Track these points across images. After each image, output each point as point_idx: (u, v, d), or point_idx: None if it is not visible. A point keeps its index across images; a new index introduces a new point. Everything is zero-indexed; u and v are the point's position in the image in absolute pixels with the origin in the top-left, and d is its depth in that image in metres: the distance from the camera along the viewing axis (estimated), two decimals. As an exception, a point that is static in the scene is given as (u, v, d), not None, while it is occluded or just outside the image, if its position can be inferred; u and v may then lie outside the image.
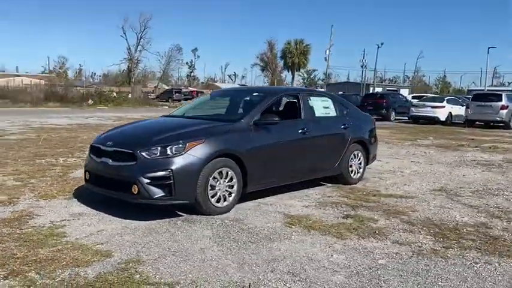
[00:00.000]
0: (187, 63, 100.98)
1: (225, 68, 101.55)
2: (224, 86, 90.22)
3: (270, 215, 5.07)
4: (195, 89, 69.54)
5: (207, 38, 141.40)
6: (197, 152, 4.71)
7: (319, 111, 6.44)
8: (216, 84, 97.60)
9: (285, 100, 6.75)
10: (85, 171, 5.29)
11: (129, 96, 42.04)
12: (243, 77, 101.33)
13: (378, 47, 54.37)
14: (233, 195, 5.07)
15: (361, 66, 58.65)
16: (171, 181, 4.54)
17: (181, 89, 62.15)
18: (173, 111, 6.78)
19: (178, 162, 4.61)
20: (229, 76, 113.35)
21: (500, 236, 4.54)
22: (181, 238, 4.23)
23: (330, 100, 6.77)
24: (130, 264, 3.56)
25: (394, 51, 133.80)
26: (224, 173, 4.95)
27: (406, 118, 24.14)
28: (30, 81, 47.16)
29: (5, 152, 9.32)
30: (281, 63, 72.38)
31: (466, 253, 4.04)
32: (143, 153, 4.59)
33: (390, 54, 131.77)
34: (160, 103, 43.06)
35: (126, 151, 4.72)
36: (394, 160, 9.65)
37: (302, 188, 6.31)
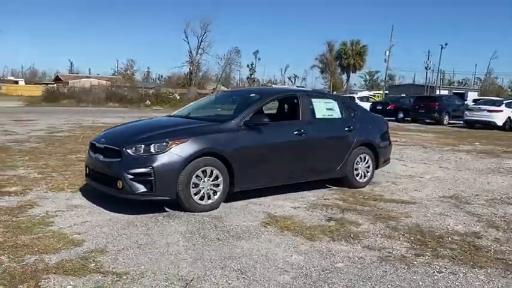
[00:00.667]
0: (247, 65, 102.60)
1: (285, 70, 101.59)
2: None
3: (252, 214, 5.13)
4: (254, 91, 69.65)
5: (267, 40, 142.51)
6: (179, 150, 4.88)
7: (320, 113, 6.39)
8: (273, 86, 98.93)
9: (284, 101, 6.77)
10: (85, 166, 5.64)
11: (185, 97, 43.45)
12: (303, 79, 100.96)
13: (442, 48, 52.09)
14: (218, 193, 5.18)
15: (425, 68, 56.54)
16: (152, 178, 4.74)
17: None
18: (178, 111, 7.00)
19: (159, 160, 4.80)
20: (289, 78, 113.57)
21: (485, 247, 4.30)
22: (154, 232, 4.41)
23: (334, 102, 6.69)
24: (93, 254, 3.78)
25: (464, 52, 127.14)
26: (208, 171, 5.08)
27: (461, 122, 22.94)
28: (98, 82, 50.39)
29: (45, 147, 10.08)
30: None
31: (436, 262, 3.88)
32: (128, 150, 4.84)
33: (460, 55, 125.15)
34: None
35: (113, 148, 5.00)
36: (420, 165, 9.29)
37: (303, 189, 6.30)
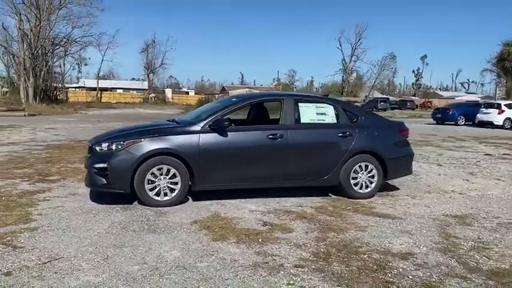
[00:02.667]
0: (413, 71, 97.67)
1: (456, 75, 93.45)
2: (446, 94, 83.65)
3: (199, 213, 5.36)
4: (425, 100, 64.82)
5: (434, 44, 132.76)
6: (134, 149, 5.43)
7: (307, 118, 6.22)
8: (438, 92, 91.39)
9: (267, 106, 6.75)
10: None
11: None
12: (482, 84, 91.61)
13: None
14: (176, 191, 5.56)
15: None
16: (108, 172, 5.39)
17: (387, 98, 60.64)
18: (185, 116, 7.51)
19: (115, 157, 5.43)
20: (462, 84, 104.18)
21: (385, 265, 3.82)
22: (96, 219, 5.02)
23: (330, 107, 6.41)
24: (22, 231, 4.57)
25: None
26: (165, 170, 5.51)
27: None
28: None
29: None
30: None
31: (299, 272, 3.65)
32: (96, 148, 5.58)
33: None
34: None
35: (89, 146, 5.80)
36: (475, 179, 8.10)
37: (298, 195, 6.26)
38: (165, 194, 5.55)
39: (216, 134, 5.68)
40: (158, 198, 5.52)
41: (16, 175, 7.53)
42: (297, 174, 6.06)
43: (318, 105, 6.39)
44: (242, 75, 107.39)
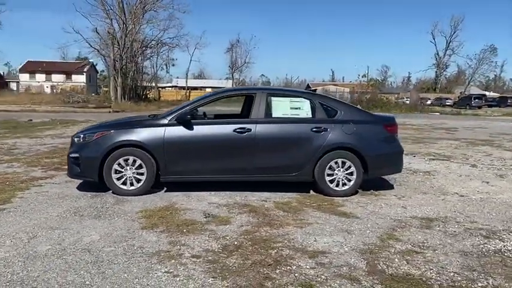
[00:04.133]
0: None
1: None
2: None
3: (156, 203, 5.56)
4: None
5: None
6: (102, 141, 5.80)
7: (280, 112, 6.12)
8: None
9: (244, 100, 6.70)
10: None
11: (407, 102, 41.65)
12: None
13: None
14: (142, 181, 5.84)
15: None
16: (80, 161, 5.83)
17: (483, 95, 55.79)
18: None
19: (85, 147, 5.85)
20: None
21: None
22: (59, 204, 5.45)
23: (306, 101, 6.22)
24: (-8, 210, 5.16)
25: None
26: (131, 160, 5.81)
27: None
28: (343, 89, 53.87)
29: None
30: None
31: (189, 261, 3.70)
32: (74, 139, 6.05)
33: None
34: (438, 109, 40.49)
35: (71, 137, 6.29)
36: (498, 182, 7.31)
37: (273, 190, 6.25)
38: (131, 184, 5.84)
39: (181, 127, 5.84)
40: (125, 188, 5.84)
41: (40, 163, 8.37)
42: (266, 168, 6.00)
43: (293, 99, 6.25)
44: (333, 72, 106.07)
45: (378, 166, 6.14)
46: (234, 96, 6.90)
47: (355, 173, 6.05)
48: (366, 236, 4.49)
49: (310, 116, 6.15)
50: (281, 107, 6.15)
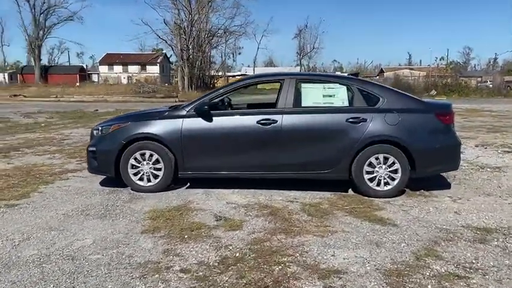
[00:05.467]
0: None
1: None
2: None
3: (168, 202, 5.12)
4: None
5: None
6: (118, 133, 5.44)
7: (311, 101, 5.38)
8: None
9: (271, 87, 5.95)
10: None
11: (490, 86, 38.12)
12: None
13: None
14: (159, 177, 5.42)
15: None
16: (96, 155, 5.54)
17: None
18: None
19: (101, 140, 5.53)
20: None
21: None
22: (72, 201, 5.19)
23: (341, 88, 5.41)
24: (3, 206, 5.00)
25: None
26: (147, 155, 5.41)
27: None
28: (419, 73, 51.10)
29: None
30: None
31: (175, 277, 3.19)
32: (94, 132, 5.76)
33: None
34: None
35: (91, 129, 6.01)
36: None
37: (306, 188, 5.56)
38: (148, 180, 5.45)
39: (199, 119, 5.32)
40: (142, 184, 5.45)
41: (80, 155, 8.31)
42: (294, 165, 5.32)
43: (327, 86, 5.47)
44: (410, 55, 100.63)
45: (427, 163, 5.21)
46: (258, 83, 6.23)
47: (399, 171, 5.17)
48: (399, 250, 3.68)
49: (347, 105, 5.34)
50: (312, 94, 5.41)
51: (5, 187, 5.76)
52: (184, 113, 5.38)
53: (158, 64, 71.00)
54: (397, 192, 5.25)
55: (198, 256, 3.59)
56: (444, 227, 4.27)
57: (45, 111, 19.82)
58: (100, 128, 5.65)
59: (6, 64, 79.90)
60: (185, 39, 39.54)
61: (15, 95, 35.73)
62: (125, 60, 71.99)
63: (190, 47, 39.73)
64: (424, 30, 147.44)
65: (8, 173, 6.75)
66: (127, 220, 4.47)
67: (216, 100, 5.49)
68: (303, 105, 5.35)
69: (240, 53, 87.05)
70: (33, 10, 62.06)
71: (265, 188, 5.55)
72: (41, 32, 64.98)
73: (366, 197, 5.26)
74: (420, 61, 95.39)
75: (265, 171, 5.36)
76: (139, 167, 5.42)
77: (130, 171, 5.42)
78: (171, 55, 71.39)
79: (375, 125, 5.16)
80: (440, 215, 4.61)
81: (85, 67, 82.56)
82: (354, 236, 4.00)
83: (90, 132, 5.96)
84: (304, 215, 4.62)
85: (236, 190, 5.53)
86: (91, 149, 5.59)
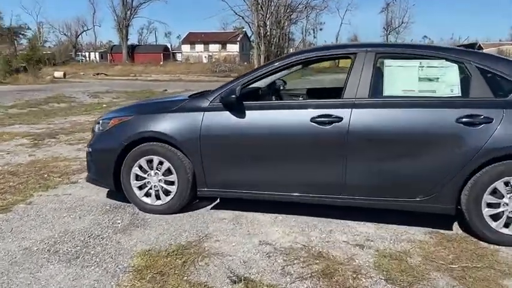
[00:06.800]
0: None
1: None
2: None
3: (177, 234, 3.53)
4: None
5: None
6: (118, 131, 3.92)
7: (400, 87, 3.41)
8: None
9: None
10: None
11: None
12: None
13: None
14: (172, 194, 3.84)
15: None
16: (91, 159, 4.08)
17: None
18: None
19: (98, 140, 4.05)
20: None
21: None
22: (57, 225, 3.83)
23: (452, 67, 3.37)
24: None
25: None
26: (156, 162, 3.84)
27: None
28: None
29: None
30: None
31: None
32: (95, 127, 4.30)
33: None
34: None
35: None
36: None
37: (384, 219, 3.74)
38: (157, 197, 3.89)
39: (226, 112, 3.61)
40: (148, 201, 3.91)
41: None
42: (366, 187, 3.43)
43: (428, 63, 3.44)
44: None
45: None
46: (315, 60, 4.08)
47: (547, 205, 3.07)
48: None
49: (458, 94, 3.31)
50: (402, 77, 3.44)
51: (-5, 193, 4.56)
52: (206, 104, 3.69)
53: (238, 42, 70.11)
54: (541, 238, 3.16)
55: None
56: None
57: (113, 90, 19.33)
58: (101, 121, 4.15)
59: (98, 44, 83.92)
60: (262, 15, 37.72)
61: (98, 74, 36.71)
62: (206, 39, 72.07)
63: (268, 23, 37.88)
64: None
65: (18, 169, 5.62)
66: (100, 270, 2.93)
67: (253, 85, 3.74)
68: (385, 94, 3.41)
69: (321, 29, 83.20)
70: (121, -10, 63.85)
71: (322, 216, 3.74)
72: (128, 12, 66.87)
73: (485, 244, 3.25)
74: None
75: (322, 193, 3.53)
76: (145, 178, 3.88)
77: (134, 183, 3.89)
78: (251, 34, 70.29)
79: (506, 128, 3.08)
80: None
81: (169, 46, 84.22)
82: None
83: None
84: (381, 279, 2.75)
85: (280, 217, 3.80)
86: (88, 149, 4.13)
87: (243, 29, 64.75)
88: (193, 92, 4.34)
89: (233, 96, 3.47)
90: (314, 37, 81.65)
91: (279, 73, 3.90)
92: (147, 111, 3.96)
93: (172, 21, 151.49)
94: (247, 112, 3.57)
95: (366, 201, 3.48)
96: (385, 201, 3.43)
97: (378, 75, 3.43)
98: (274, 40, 39.28)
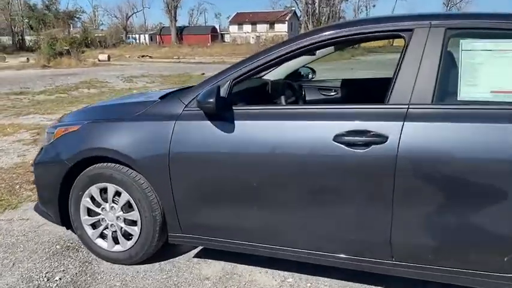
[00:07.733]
0: None
1: None
2: None
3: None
4: None
5: None
6: (61, 145, 2.77)
7: (487, 86, 2.01)
8: None
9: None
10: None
11: None
12: None
13: None
14: (134, 238, 2.66)
15: None
16: (36, 184, 2.98)
17: None
18: None
19: (40, 158, 2.92)
20: None
21: None
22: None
23: None
24: None
25: None
26: (111, 192, 2.66)
27: None
28: None
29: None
30: None
31: None
32: (47, 133, 3.17)
33: None
34: None
35: None
36: None
37: None
38: (115, 240, 2.71)
39: (208, 122, 2.34)
40: (104, 246, 2.77)
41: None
42: (424, 247, 2.07)
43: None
44: None
45: None
46: (340, 41, 2.39)
47: None
48: None
49: None
50: (493, 70, 2.01)
51: None
52: (179, 109, 2.43)
53: (286, 22, 67.91)
54: None
55: None
56: None
57: (149, 74, 18.52)
58: (47, 130, 3.02)
59: (150, 26, 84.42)
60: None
61: (143, 56, 36.40)
62: (254, 19, 70.46)
63: (317, 0, 35.81)
64: None
65: (-7, 176, 4.67)
66: None
67: (246, 80, 2.44)
68: (462, 97, 2.01)
69: (374, 5, 78.88)
70: (169, -29, 63.46)
71: (360, 280, 2.42)
72: (177, -7, 66.45)
73: None
74: None
75: (348, 253, 2.20)
76: (99, 213, 2.69)
77: (85, 219, 2.75)
78: (300, 13, 67.79)
79: None
80: None
81: (218, 28, 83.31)
82: None
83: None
84: None
85: (290, 279, 2.50)
86: (32, 169, 3.02)
87: (292, 8, 62.55)
88: (171, 91, 3.10)
89: (214, 98, 2.19)
90: (367, 15, 77.79)
91: (292, 61, 2.56)
92: (99, 118, 2.75)
93: (222, 2, 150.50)
94: (237, 123, 2.29)
95: (427, 273, 2.12)
96: (464, 276, 2.05)
97: (449, 66, 2.04)
98: (323, 18, 37.14)
